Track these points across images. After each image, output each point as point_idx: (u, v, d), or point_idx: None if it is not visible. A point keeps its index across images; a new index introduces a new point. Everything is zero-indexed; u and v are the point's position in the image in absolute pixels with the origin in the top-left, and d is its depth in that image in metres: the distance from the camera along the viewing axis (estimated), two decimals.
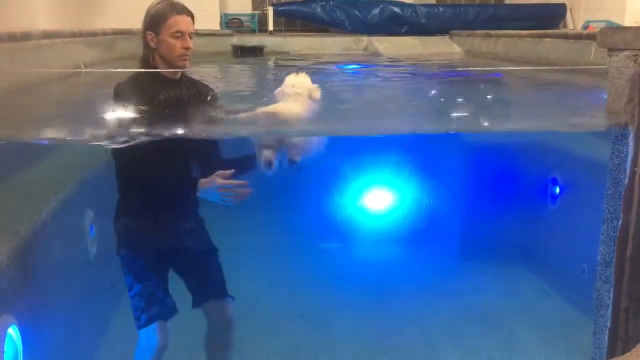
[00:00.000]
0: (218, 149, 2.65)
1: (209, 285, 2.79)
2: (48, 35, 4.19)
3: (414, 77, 5.18)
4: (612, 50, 2.10)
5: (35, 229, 2.29)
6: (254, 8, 9.22)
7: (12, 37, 3.46)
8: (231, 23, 8.84)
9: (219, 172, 2.46)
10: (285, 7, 8.77)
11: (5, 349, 1.87)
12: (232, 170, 2.47)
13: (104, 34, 5.75)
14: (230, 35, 8.06)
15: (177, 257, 2.72)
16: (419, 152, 4.47)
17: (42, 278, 2.36)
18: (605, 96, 2.16)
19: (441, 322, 3.74)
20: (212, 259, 2.80)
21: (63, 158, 3.20)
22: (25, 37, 3.67)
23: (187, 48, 2.44)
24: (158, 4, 2.46)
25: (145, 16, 2.47)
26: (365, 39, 8.09)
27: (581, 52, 4.67)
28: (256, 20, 8.97)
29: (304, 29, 9.04)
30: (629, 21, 6.95)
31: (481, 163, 4.49)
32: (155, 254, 2.63)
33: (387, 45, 7.77)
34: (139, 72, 2.51)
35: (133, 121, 2.26)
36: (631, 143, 2.07)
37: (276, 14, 8.59)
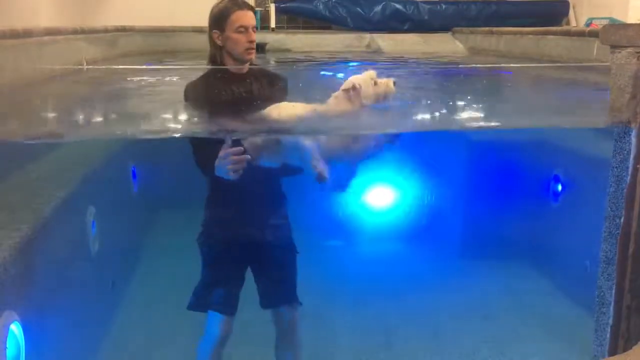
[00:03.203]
0: None
1: (281, 289, 2.76)
2: (50, 32, 4.19)
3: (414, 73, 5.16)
4: (614, 47, 2.09)
5: (38, 225, 2.29)
6: (256, 5, 9.20)
7: (14, 34, 3.46)
8: None
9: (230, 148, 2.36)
10: (288, 4, 8.75)
11: (7, 346, 1.87)
12: (240, 148, 2.32)
13: (106, 30, 5.75)
14: None
15: (256, 253, 2.71)
16: (422, 150, 4.47)
17: (44, 275, 2.37)
18: (608, 93, 2.15)
19: (443, 318, 3.75)
20: (290, 260, 2.77)
21: (65, 155, 3.21)
22: (27, 34, 3.67)
23: (252, 41, 2.50)
24: (220, 2, 2.53)
25: (210, 16, 2.55)
26: (367, 36, 8.07)
27: (584, 50, 4.65)
28: (258, 17, 8.94)
29: (306, 26, 9.03)
30: (632, 18, 6.93)
31: (484, 160, 4.49)
32: (234, 248, 2.65)
33: (389, 43, 7.75)
34: (207, 71, 2.59)
35: (204, 118, 2.34)
36: (634, 140, 2.07)
37: (278, 11, 8.57)
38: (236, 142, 2.35)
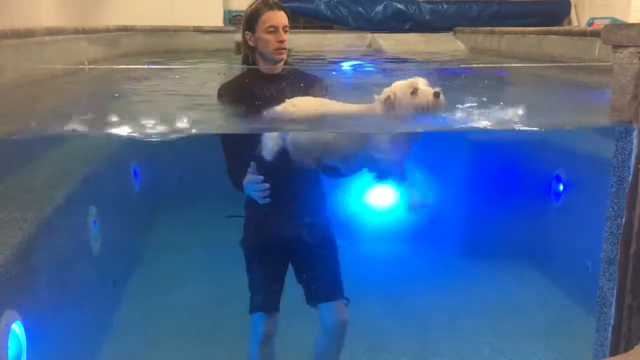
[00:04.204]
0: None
1: (322, 285, 2.75)
2: (51, 31, 4.19)
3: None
4: (616, 47, 2.09)
5: (39, 225, 2.29)
6: None
7: (16, 34, 3.46)
8: (234, 20, 8.81)
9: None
10: (289, 4, 8.68)
11: (9, 345, 1.87)
12: (253, 164, 2.41)
13: (108, 30, 5.76)
14: (234, 32, 8.05)
15: (296, 251, 2.73)
16: (423, 149, 4.45)
17: (46, 274, 2.37)
18: (610, 93, 2.15)
19: (444, 318, 3.74)
20: (330, 256, 2.77)
21: (67, 154, 3.21)
22: (29, 33, 3.67)
23: (282, 41, 2.51)
24: (252, 4, 2.56)
25: (243, 17, 2.59)
26: (368, 36, 8.07)
27: (585, 49, 4.65)
28: None
29: (308, 26, 9.01)
30: (633, 18, 6.92)
31: (484, 160, 4.48)
32: (275, 248, 2.68)
33: (390, 42, 7.75)
34: (241, 71, 2.63)
35: (235, 118, 2.41)
36: (635, 140, 2.06)
37: None
38: (261, 162, 2.39)
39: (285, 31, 2.53)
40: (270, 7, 2.51)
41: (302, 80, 2.62)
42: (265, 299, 2.68)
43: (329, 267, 2.76)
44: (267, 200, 2.44)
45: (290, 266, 2.79)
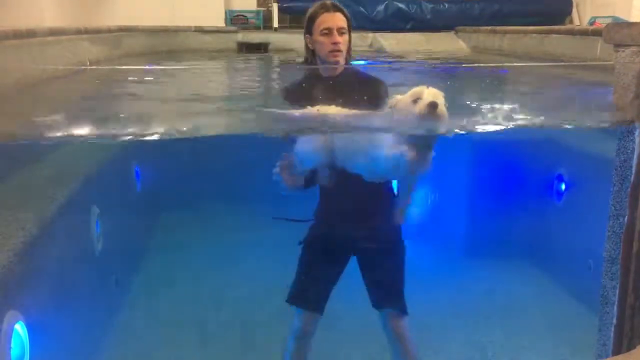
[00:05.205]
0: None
1: (378, 291, 2.74)
2: (53, 32, 4.20)
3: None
4: (618, 46, 2.09)
5: (42, 225, 2.30)
6: (258, 5, 9.21)
7: (18, 34, 3.47)
8: (236, 20, 8.83)
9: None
10: (290, 4, 8.74)
11: (12, 346, 1.88)
12: (287, 154, 2.38)
13: (109, 30, 5.76)
14: (235, 32, 8.07)
15: (361, 255, 2.72)
16: None
17: (48, 275, 2.37)
18: (612, 92, 2.15)
19: (446, 317, 3.74)
20: (393, 264, 2.73)
21: (69, 154, 3.21)
22: (31, 34, 3.68)
23: (336, 43, 2.51)
24: (312, 6, 2.59)
25: (304, 21, 2.62)
26: (370, 35, 8.07)
27: (587, 48, 4.65)
28: (261, 17, 8.95)
29: None
30: (635, 17, 6.93)
31: (486, 159, 4.48)
32: (336, 252, 2.68)
33: (392, 42, 7.75)
34: (304, 73, 2.68)
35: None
36: (637, 139, 2.06)
37: (281, 10, 8.57)
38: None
39: (342, 33, 2.52)
40: (327, 9, 2.53)
41: (362, 83, 2.60)
42: (310, 297, 2.69)
43: (387, 275, 2.72)
44: (288, 190, 2.42)
45: (344, 272, 2.78)
